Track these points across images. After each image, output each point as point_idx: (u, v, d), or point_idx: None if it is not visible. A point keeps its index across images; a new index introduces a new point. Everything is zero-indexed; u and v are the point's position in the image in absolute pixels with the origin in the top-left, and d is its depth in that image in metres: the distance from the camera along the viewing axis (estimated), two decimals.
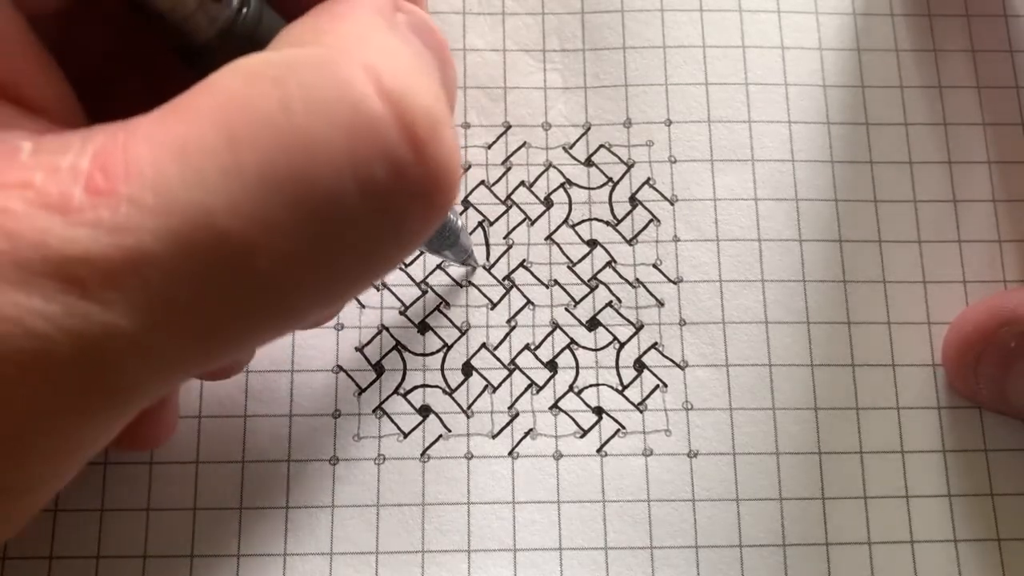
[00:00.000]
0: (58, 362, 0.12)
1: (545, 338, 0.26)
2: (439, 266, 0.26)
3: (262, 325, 0.14)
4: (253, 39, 0.15)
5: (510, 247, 0.26)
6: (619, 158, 0.27)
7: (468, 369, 0.25)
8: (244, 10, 0.15)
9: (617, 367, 0.25)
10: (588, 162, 0.27)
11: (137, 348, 0.13)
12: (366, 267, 0.15)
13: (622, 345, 0.26)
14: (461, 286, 0.26)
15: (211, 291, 0.13)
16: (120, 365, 0.13)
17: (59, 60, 0.16)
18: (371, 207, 0.14)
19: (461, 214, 0.26)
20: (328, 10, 0.15)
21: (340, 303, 0.15)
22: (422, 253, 0.26)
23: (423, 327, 0.26)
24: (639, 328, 0.26)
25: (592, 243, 0.26)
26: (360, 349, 0.25)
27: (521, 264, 0.26)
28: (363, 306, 0.26)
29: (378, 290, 0.26)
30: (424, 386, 0.25)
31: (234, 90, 0.13)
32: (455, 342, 0.26)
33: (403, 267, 0.26)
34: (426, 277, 0.26)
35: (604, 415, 0.25)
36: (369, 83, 0.13)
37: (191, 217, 0.13)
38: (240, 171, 0.13)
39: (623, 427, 0.25)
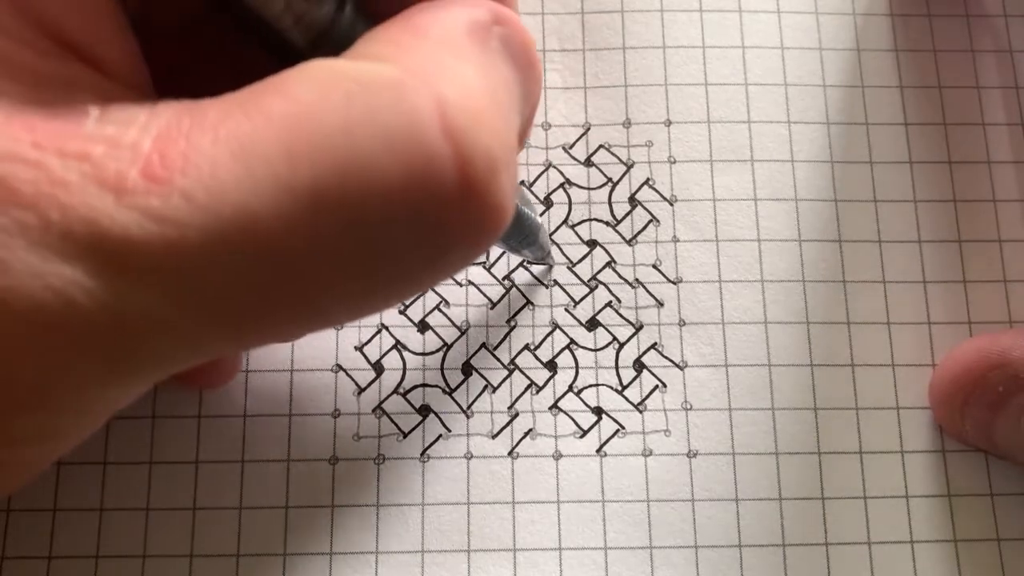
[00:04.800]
0: (89, 329, 0.13)
1: (545, 338, 0.26)
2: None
3: (289, 322, 0.15)
4: (342, 43, 0.15)
5: None
6: (618, 158, 0.27)
7: (468, 369, 0.25)
8: (338, 15, 0.15)
9: (616, 367, 0.25)
10: (588, 162, 0.27)
11: (165, 329, 0.13)
12: (400, 287, 0.16)
13: (622, 345, 0.26)
14: (460, 285, 0.26)
15: (245, 288, 0.13)
16: (147, 342, 0.13)
17: (135, 28, 0.16)
18: (415, 237, 0.14)
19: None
20: (413, 22, 0.15)
21: (367, 313, 0.16)
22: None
23: (423, 326, 0.26)
24: (638, 328, 0.26)
25: (592, 243, 0.26)
26: (359, 348, 0.25)
27: (521, 264, 0.26)
28: None
29: None
30: (424, 386, 0.25)
31: (303, 100, 0.13)
32: (455, 341, 0.26)
33: None
34: None
35: (604, 415, 0.25)
36: (435, 117, 0.13)
37: (237, 220, 0.13)
38: (293, 185, 0.13)
39: (622, 427, 0.25)
